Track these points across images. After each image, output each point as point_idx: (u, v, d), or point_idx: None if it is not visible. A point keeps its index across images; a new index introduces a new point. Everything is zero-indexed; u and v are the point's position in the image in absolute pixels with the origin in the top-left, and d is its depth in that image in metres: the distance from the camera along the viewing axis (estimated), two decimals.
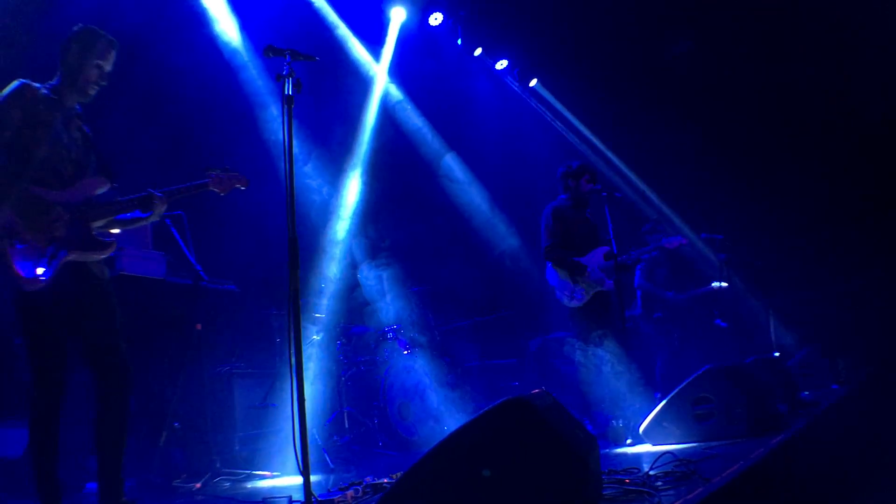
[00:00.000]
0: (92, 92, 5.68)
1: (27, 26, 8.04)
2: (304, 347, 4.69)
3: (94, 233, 5.47)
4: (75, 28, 5.67)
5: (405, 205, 12.94)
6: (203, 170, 5.95)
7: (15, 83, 5.39)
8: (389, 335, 10.25)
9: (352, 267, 10.79)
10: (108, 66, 5.70)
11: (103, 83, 5.71)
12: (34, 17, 8.07)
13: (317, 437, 8.37)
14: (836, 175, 13.64)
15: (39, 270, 5.14)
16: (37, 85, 5.47)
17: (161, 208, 5.75)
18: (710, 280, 12.51)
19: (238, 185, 6.08)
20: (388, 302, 10.62)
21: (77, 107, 5.70)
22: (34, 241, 5.17)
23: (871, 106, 13.36)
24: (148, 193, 5.68)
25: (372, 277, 10.66)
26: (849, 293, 13.44)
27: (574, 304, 8.99)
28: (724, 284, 12.14)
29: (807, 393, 10.09)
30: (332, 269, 10.51)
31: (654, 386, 10.77)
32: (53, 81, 5.61)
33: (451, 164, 13.83)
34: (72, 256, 5.30)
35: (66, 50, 5.62)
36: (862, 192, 13.57)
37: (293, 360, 4.54)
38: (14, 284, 5.16)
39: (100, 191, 5.59)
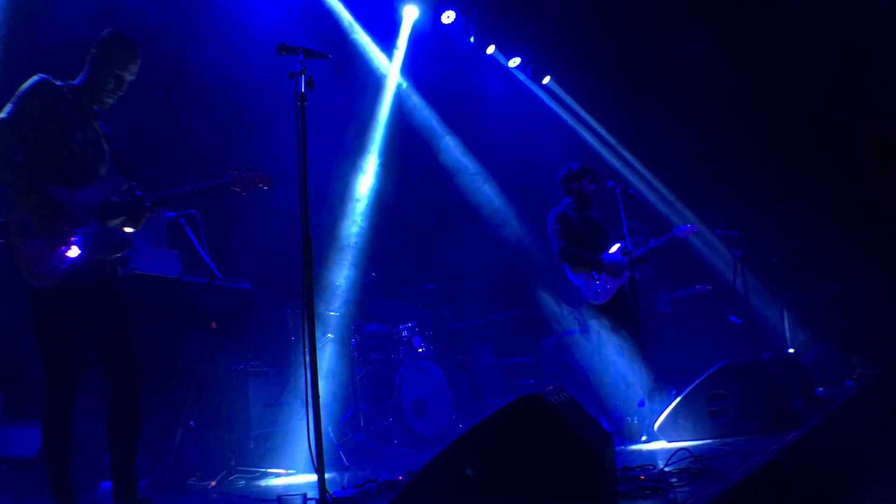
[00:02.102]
0: (108, 100, 5.65)
1: (40, 20, 8.07)
2: (318, 345, 4.69)
3: (109, 232, 5.48)
4: (104, 32, 5.65)
5: (419, 202, 12.95)
6: (225, 169, 5.95)
7: (34, 78, 5.39)
8: (404, 333, 10.27)
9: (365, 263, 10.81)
10: (128, 77, 5.66)
11: (120, 93, 5.69)
12: (46, 10, 8.10)
13: (332, 434, 8.39)
14: (852, 172, 13.60)
15: (52, 267, 5.15)
16: (57, 82, 5.47)
17: (144, 214, 5.71)
18: (694, 282, 12.53)
19: (261, 185, 6.06)
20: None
21: (97, 107, 5.70)
22: (48, 239, 5.17)
23: (888, 102, 13.32)
24: (135, 198, 5.66)
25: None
26: (864, 290, 13.40)
27: (600, 300, 9.01)
28: (708, 287, 12.21)
29: (822, 389, 10.07)
30: (346, 266, 10.52)
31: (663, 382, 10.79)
32: (76, 80, 5.61)
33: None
34: (86, 255, 5.31)
35: (90, 53, 5.62)
36: (878, 189, 13.53)
37: (307, 357, 4.54)
38: (28, 282, 5.17)
39: (117, 190, 5.59)
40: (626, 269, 8.90)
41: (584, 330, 9.31)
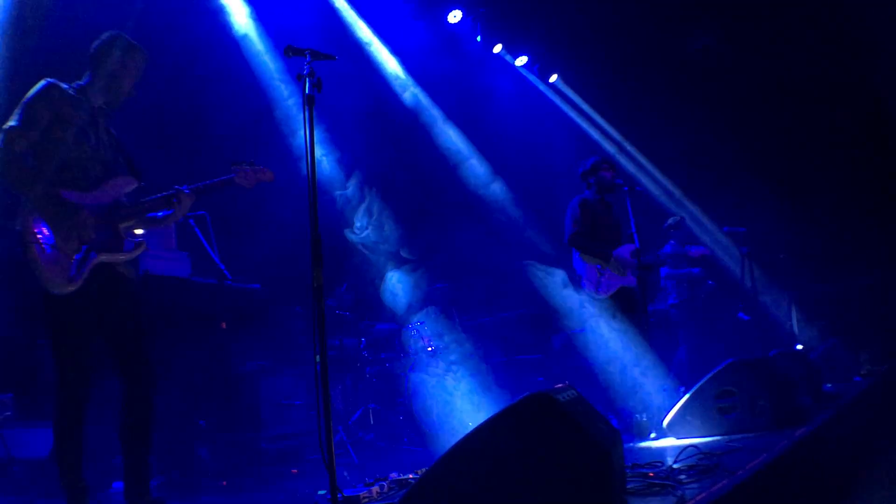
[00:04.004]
0: (122, 98, 5.71)
1: (45, 21, 8.09)
2: (328, 345, 4.71)
3: (122, 234, 5.51)
4: (105, 35, 5.67)
5: (428, 202, 12.97)
6: (229, 165, 5.97)
7: (42, 83, 5.40)
8: (413, 332, 10.29)
9: (374, 264, 10.83)
10: (138, 77, 5.73)
11: (133, 93, 5.74)
12: (51, 13, 8.12)
13: (342, 433, 8.42)
14: (860, 167, 13.60)
15: (71, 273, 5.18)
16: (64, 85, 5.49)
17: (188, 203, 5.77)
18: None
19: (263, 179, 6.09)
20: (405, 298, 10.67)
21: (106, 108, 5.73)
22: (64, 244, 5.20)
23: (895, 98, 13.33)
24: (175, 190, 5.71)
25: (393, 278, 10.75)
26: (871, 285, 13.40)
27: (600, 295, 9.02)
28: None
29: (830, 386, 10.06)
30: (355, 266, 10.54)
31: (678, 378, 10.79)
32: (81, 82, 5.62)
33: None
34: (101, 258, 5.33)
35: (98, 56, 5.62)
36: (885, 184, 13.53)
37: (318, 357, 4.57)
38: (43, 287, 5.20)
39: (128, 191, 5.62)
40: (630, 269, 8.93)
41: (593, 327, 9.33)
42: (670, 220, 12.22)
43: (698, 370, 9.08)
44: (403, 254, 10.93)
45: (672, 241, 11.92)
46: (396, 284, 10.74)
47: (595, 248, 9.10)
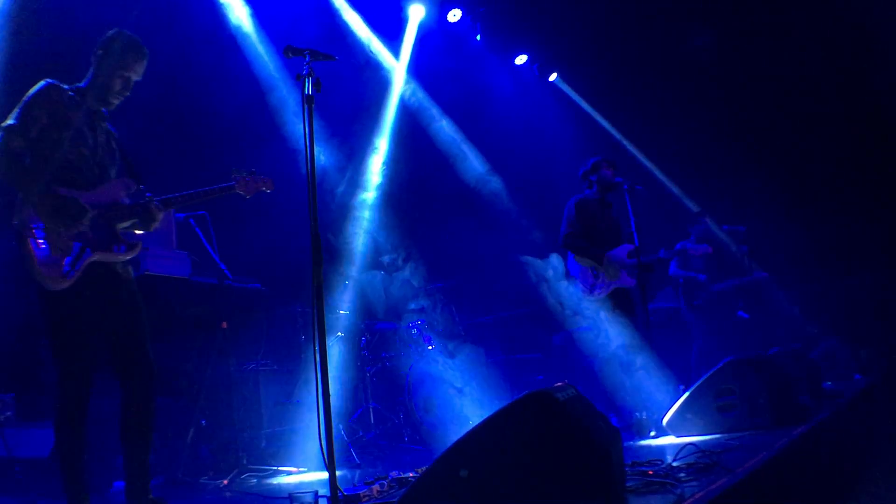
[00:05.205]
0: (115, 101, 5.66)
1: (45, 21, 8.09)
2: (328, 344, 4.72)
3: (119, 233, 5.51)
4: (109, 33, 5.67)
5: (427, 201, 12.96)
6: (229, 173, 5.98)
7: (41, 83, 5.41)
8: (413, 331, 10.29)
9: (373, 264, 10.86)
10: (135, 77, 5.68)
11: (127, 93, 5.71)
12: (51, 13, 8.12)
13: (342, 432, 8.42)
14: (861, 165, 13.60)
15: (64, 270, 5.19)
16: (64, 86, 5.49)
17: (158, 216, 5.76)
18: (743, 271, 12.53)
19: (263, 188, 6.09)
20: (406, 301, 10.68)
21: (104, 109, 5.73)
22: (58, 240, 5.21)
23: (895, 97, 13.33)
24: (146, 200, 5.70)
25: (383, 284, 10.77)
26: (871, 284, 13.41)
27: (594, 296, 9.02)
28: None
29: (829, 384, 10.08)
30: (355, 265, 10.55)
31: (687, 376, 10.80)
32: (81, 84, 5.63)
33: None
34: (97, 256, 5.33)
35: (95, 54, 5.63)
36: (885, 182, 13.53)
37: (318, 356, 4.57)
38: (39, 283, 5.21)
39: (127, 192, 5.63)
40: (627, 270, 8.93)
41: (592, 327, 9.34)
42: (690, 218, 12.23)
43: (705, 368, 9.11)
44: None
45: (676, 248, 11.92)
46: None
47: (588, 249, 9.08)
